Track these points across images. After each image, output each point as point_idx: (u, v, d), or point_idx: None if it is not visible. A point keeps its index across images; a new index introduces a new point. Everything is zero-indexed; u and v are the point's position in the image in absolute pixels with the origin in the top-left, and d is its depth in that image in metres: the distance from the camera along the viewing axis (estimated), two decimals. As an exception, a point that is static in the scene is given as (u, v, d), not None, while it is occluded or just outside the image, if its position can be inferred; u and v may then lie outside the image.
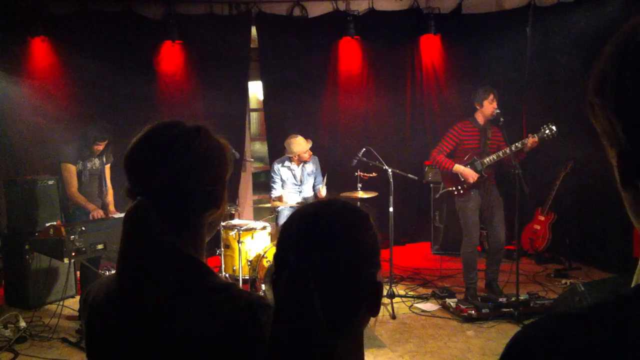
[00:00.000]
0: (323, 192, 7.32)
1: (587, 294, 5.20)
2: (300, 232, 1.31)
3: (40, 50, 8.02)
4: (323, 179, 7.35)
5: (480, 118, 6.43)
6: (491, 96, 6.32)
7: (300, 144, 7.17)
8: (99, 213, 6.26)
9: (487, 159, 6.32)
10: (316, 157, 7.48)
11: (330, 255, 1.26)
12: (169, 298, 1.38)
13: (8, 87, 7.79)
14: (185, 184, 1.46)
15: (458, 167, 6.43)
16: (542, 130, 6.17)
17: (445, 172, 6.56)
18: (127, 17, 8.27)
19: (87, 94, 8.09)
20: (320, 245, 1.27)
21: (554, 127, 6.12)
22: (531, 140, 6.16)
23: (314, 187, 7.48)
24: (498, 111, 6.24)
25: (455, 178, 6.46)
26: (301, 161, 7.31)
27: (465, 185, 6.41)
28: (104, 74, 7.92)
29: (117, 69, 7.97)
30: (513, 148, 6.10)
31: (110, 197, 6.58)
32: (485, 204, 6.49)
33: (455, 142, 6.51)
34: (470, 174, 6.35)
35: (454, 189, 6.51)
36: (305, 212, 1.37)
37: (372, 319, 1.36)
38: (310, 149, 7.30)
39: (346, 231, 1.30)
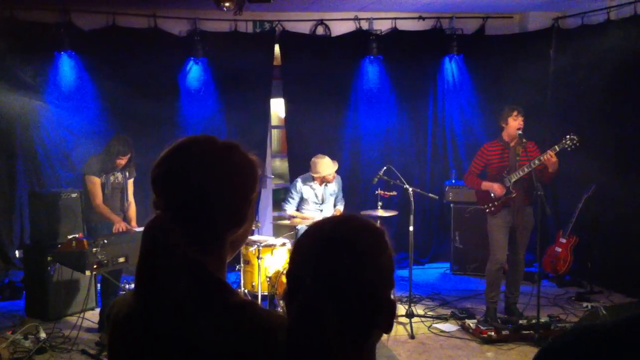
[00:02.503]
0: (340, 208, 7.33)
1: (608, 318, 5.14)
2: (315, 252, 1.31)
3: (66, 65, 8.13)
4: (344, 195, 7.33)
5: (506, 136, 6.42)
6: (515, 113, 6.29)
7: (327, 166, 7.13)
8: (122, 225, 6.31)
9: (514, 175, 6.28)
10: (339, 177, 7.46)
11: (346, 278, 1.25)
12: (187, 316, 1.35)
13: (33, 100, 7.91)
14: (207, 200, 1.43)
15: (486, 183, 6.44)
16: (564, 141, 6.11)
17: (478, 190, 6.60)
18: (152, 34, 8.36)
19: (111, 108, 8.19)
20: (336, 268, 1.26)
21: (575, 137, 6.04)
22: (547, 155, 6.07)
23: (334, 205, 7.47)
24: (520, 132, 6.23)
25: (487, 196, 6.45)
26: (324, 181, 7.28)
27: (496, 203, 6.39)
28: (128, 89, 8.03)
29: (142, 85, 8.09)
30: (532, 165, 6.07)
31: (132, 213, 6.62)
32: (516, 224, 6.43)
33: (483, 162, 6.54)
34: (496, 186, 6.34)
35: (485, 206, 6.50)
36: (321, 231, 1.36)
37: (387, 337, 1.35)
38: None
39: (362, 253, 1.29)
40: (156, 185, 1.48)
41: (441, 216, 9.19)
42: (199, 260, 1.41)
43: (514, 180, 6.28)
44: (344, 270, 1.26)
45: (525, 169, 6.16)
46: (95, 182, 6.34)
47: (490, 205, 6.45)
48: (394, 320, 1.32)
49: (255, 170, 1.54)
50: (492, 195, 6.39)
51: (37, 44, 7.90)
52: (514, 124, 6.30)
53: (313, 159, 7.22)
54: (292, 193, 7.34)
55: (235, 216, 1.48)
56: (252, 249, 6.60)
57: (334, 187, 7.37)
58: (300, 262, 1.32)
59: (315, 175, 7.19)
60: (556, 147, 6.09)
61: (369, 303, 1.27)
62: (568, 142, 6.08)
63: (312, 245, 1.33)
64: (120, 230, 6.25)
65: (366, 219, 1.39)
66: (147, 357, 1.41)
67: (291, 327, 1.22)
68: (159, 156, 1.50)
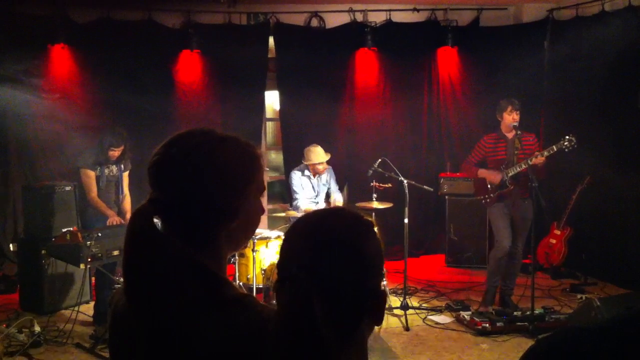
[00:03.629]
0: (339, 199, 7.31)
1: (602, 309, 5.14)
2: (303, 243, 1.31)
3: (60, 58, 8.09)
4: (340, 188, 7.30)
5: (503, 129, 6.44)
6: (510, 108, 6.30)
7: (319, 154, 7.13)
8: (117, 219, 6.30)
9: (512, 170, 6.29)
10: (331, 168, 7.45)
11: (334, 268, 1.26)
12: (179, 310, 1.33)
13: (27, 94, 7.87)
14: (195, 192, 1.42)
15: (482, 171, 6.46)
16: (562, 141, 6.11)
17: (475, 179, 6.64)
18: (146, 26, 8.35)
19: (106, 101, 8.17)
20: (324, 258, 1.26)
21: (573, 139, 6.05)
22: (537, 159, 6.10)
23: (327, 196, 7.46)
24: (515, 124, 6.23)
25: (483, 187, 6.47)
26: (316, 172, 7.28)
27: (492, 195, 6.39)
28: (122, 82, 7.99)
29: (136, 78, 8.04)
30: (529, 162, 6.07)
31: (127, 205, 6.60)
32: (515, 216, 6.44)
33: (481, 154, 6.56)
34: (493, 175, 6.35)
35: (481, 197, 6.51)
36: (309, 221, 1.36)
37: (382, 329, 1.36)
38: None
39: (350, 244, 1.30)
40: (149, 178, 1.48)
41: (436, 208, 9.19)
42: (190, 252, 1.39)
43: (511, 174, 6.28)
44: (332, 262, 1.26)
45: (523, 165, 6.16)
46: (90, 176, 6.32)
47: (485, 196, 6.46)
48: (385, 312, 1.32)
49: (252, 162, 1.51)
50: (489, 186, 6.40)
51: (31, 37, 7.85)
52: (509, 118, 6.32)
53: (306, 148, 7.23)
54: (295, 188, 7.28)
55: (226, 209, 1.45)
56: (246, 242, 6.58)
57: (325, 177, 7.38)
58: (290, 253, 1.32)
59: (307, 163, 7.19)
60: (554, 147, 6.10)
61: (357, 294, 1.27)
62: (566, 143, 6.06)
63: (301, 237, 1.33)
64: (115, 223, 6.24)
65: (354, 211, 1.39)
66: (139, 348, 1.40)
67: (280, 318, 1.22)
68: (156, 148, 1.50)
